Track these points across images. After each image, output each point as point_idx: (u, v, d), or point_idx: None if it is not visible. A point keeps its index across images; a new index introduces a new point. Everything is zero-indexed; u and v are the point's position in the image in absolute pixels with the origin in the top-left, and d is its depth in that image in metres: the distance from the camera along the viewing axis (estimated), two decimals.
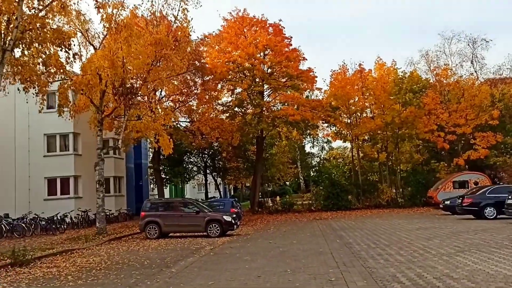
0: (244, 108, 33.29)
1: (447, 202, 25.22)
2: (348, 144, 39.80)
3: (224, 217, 20.21)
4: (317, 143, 55.72)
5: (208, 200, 32.98)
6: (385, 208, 33.91)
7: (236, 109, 33.61)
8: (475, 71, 35.37)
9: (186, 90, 29.15)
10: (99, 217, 21.20)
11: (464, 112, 32.22)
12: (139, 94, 22.63)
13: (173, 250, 15.64)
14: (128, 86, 20.00)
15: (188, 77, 26.07)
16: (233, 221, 20.31)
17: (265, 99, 34.04)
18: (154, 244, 17.61)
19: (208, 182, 45.35)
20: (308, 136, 55.90)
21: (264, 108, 32.83)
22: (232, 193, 70.55)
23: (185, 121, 31.03)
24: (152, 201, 21.99)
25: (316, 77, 33.62)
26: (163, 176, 36.44)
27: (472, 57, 35.66)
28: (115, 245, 18.02)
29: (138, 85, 20.95)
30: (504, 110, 33.28)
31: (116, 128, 26.07)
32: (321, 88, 36.35)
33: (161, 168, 35.63)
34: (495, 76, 34.90)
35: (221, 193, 40.80)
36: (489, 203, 20.24)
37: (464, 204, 20.82)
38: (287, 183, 66.89)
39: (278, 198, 39.80)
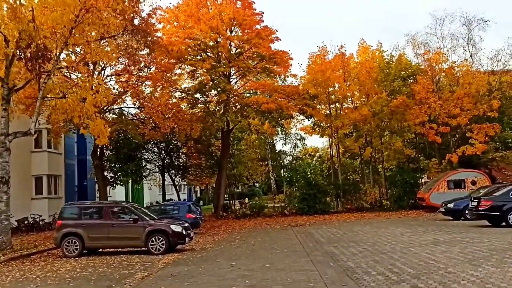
0: (207, 94, 28.04)
1: (450, 205, 20.87)
2: (326, 140, 35.06)
3: (172, 226, 15.02)
4: (290, 140, 51.07)
5: (158, 204, 27.60)
6: (368, 211, 29.46)
7: (197, 95, 28.32)
8: (471, 56, 31.44)
9: (133, 68, 23.68)
10: (1, 227, 15.56)
11: (460, 101, 28.12)
12: (60, 63, 17.09)
13: (83, 281, 10.32)
14: (39, 47, 14.45)
15: (133, 45, 20.59)
16: (184, 232, 15.14)
17: (232, 85, 28.94)
18: (65, 268, 12.21)
19: (170, 183, 39.93)
20: (280, 132, 51.33)
21: (231, 95, 27.73)
22: (198, 195, 65.24)
23: (133, 107, 25.52)
24: (73, 205, 16.49)
25: (292, 59, 28.84)
26: (112, 175, 30.80)
27: (468, 39, 31.69)
28: (9, 269, 12.52)
29: (56, 48, 15.41)
30: (504, 100, 29.43)
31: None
32: (297, 75, 31.55)
33: (107, 164, 29.97)
34: (492, 62, 31.06)
35: (178, 195, 35.30)
36: None
37: (481, 208, 16.39)
38: (257, 184, 62.09)
39: (246, 200, 34.80)
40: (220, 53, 28.22)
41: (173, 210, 22.34)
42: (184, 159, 35.49)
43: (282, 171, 40.79)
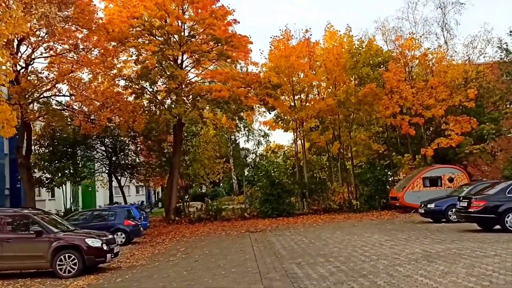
0: (154, 82, 24.37)
1: (431, 206, 18.19)
2: (292, 136, 31.89)
3: (88, 240, 11.50)
4: (253, 136, 47.95)
5: (89, 210, 23.84)
6: (337, 212, 26.67)
7: (144, 83, 24.65)
8: (445, 42, 29.13)
9: (63, 49, 19.87)
10: None
11: (434, 90, 25.71)
12: None
13: None
14: None
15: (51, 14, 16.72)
16: (106, 247, 11.65)
17: (184, 71, 25.39)
18: None
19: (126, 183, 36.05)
20: (243, 128, 48.17)
21: (183, 84, 24.24)
22: (159, 197, 61.12)
23: (62, 95, 21.52)
24: None
25: (251, 42, 25.57)
26: (47, 176, 26.77)
27: (443, 24, 29.32)
28: None
29: None
30: (481, 90, 27.27)
31: None
32: (258, 63, 28.31)
33: (40, 163, 25.92)
34: (468, 49, 28.87)
35: (125, 197, 31.43)
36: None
37: (473, 210, 13.66)
38: (221, 184, 58.60)
39: (209, 201, 31.28)
40: (169, 35, 24.70)
41: (108, 216, 18.76)
42: (134, 157, 31.71)
43: (245, 170, 37.55)
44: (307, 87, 27.21)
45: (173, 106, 23.76)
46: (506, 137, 31.26)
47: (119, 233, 17.89)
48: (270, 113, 27.36)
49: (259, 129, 46.26)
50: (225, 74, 24.99)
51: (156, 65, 23.28)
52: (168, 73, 23.61)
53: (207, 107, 23.81)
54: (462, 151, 25.91)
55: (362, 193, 28.01)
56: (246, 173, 32.04)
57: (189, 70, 27.37)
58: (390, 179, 28.28)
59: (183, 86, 24.34)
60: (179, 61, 26.18)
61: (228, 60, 25.40)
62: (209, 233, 20.83)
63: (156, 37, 24.54)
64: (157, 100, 24.78)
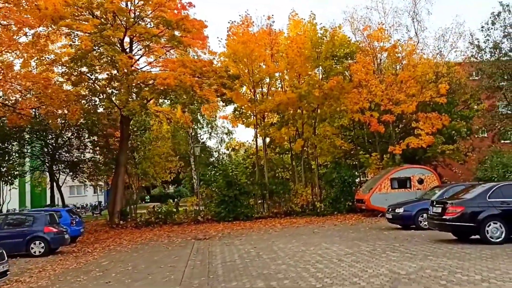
0: (91, 66, 21.42)
1: (399, 210, 16.09)
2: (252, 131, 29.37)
3: None
4: (216, 133, 45.22)
5: (6, 213, 20.81)
6: (300, 216, 24.52)
7: (81, 69, 21.70)
8: (416, 34, 27.32)
9: None
10: None
11: (404, 85, 23.84)
12: None
13: None
14: None
15: None
16: None
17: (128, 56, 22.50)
18: None
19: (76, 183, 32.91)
20: (203, 124, 45.47)
21: (125, 70, 21.43)
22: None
23: None
24: None
25: (206, 26, 22.97)
26: None
27: (414, 14, 27.45)
28: None
29: None
30: (453, 85, 25.61)
31: None
32: (216, 52, 25.68)
33: None
34: (439, 42, 27.18)
35: (63, 198, 28.23)
36: (494, 214, 11.17)
37: (448, 217, 11.55)
38: (184, 185, 55.70)
39: (171, 202, 28.29)
40: (114, 16, 21.88)
41: (25, 222, 15.86)
42: (78, 154, 28.60)
43: (201, 169, 34.81)
44: (269, 79, 24.84)
45: (113, 94, 20.97)
46: (478, 136, 29.87)
47: (37, 242, 15.15)
48: (227, 107, 24.78)
49: (223, 126, 43.71)
50: (176, 62, 22.33)
51: (93, 47, 20.37)
52: (108, 58, 20.76)
53: (147, 95, 20.93)
54: (433, 151, 24.12)
55: (327, 195, 25.91)
56: (202, 172, 29.33)
57: (138, 58, 24.62)
58: (357, 180, 26.24)
59: (128, 73, 21.51)
60: (126, 46, 23.45)
61: (181, 46, 22.72)
62: (150, 240, 18.19)
63: (97, 17, 21.64)
64: (97, 88, 21.83)
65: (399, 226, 16.49)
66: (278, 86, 26.71)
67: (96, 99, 22.11)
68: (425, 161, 26.08)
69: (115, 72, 21.58)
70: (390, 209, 16.58)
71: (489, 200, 11.37)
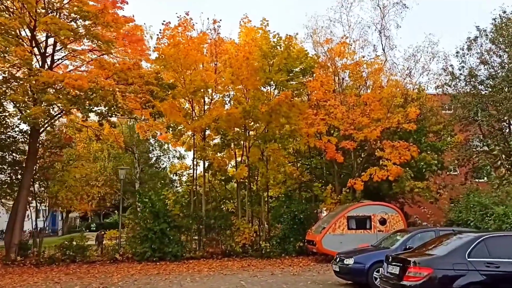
0: None
1: (349, 261, 12.05)
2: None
3: None
4: (167, 157, 40.82)
5: None
6: (241, 257, 20.33)
7: None
8: (383, 50, 24.10)
9: None
10: None
11: (368, 107, 20.35)
12: None
13: None
14: None
15: None
16: None
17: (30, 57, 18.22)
18: None
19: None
20: (156, 147, 41.10)
21: (26, 69, 17.25)
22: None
23: None
24: None
25: (133, 20, 19.06)
26: None
27: (381, 27, 24.32)
28: None
29: None
30: (424, 110, 22.29)
31: None
32: (152, 59, 21.62)
33: None
34: (409, 62, 24.01)
35: None
36: (475, 281, 7.28)
37: (409, 282, 7.59)
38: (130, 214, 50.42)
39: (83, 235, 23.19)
40: (23, 4, 17.86)
41: None
42: None
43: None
44: (211, 91, 20.97)
45: (8, 94, 16.71)
46: (449, 173, 26.55)
47: None
48: (155, 120, 20.57)
49: (175, 150, 39.36)
50: (92, 63, 18.30)
51: None
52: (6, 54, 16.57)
53: (52, 100, 16.63)
54: (400, 186, 20.45)
55: (276, 234, 21.80)
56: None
57: (58, 60, 20.50)
58: (312, 216, 22.15)
59: (31, 73, 17.28)
60: (39, 45, 19.37)
61: (102, 45, 18.65)
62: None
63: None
64: None
65: (349, 282, 12.49)
66: (226, 101, 22.83)
67: None
68: (390, 197, 22.43)
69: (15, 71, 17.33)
70: (338, 259, 12.54)
71: (469, 259, 7.50)
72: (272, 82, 21.29)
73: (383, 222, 18.68)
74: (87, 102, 17.35)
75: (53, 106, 17.20)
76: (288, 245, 20.83)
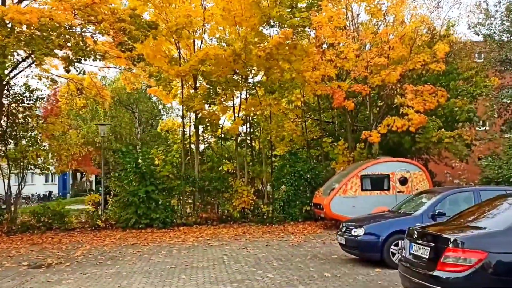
0: None
1: (358, 232, 9.11)
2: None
3: None
4: (170, 115, 38.05)
5: None
6: (239, 223, 17.83)
7: None
8: None
9: None
10: None
11: (387, 45, 16.90)
12: None
13: None
14: None
15: None
16: None
17: None
18: None
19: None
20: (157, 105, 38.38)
21: None
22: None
23: None
24: None
25: None
26: None
27: None
28: None
29: None
30: (455, 48, 18.73)
31: None
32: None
33: None
34: None
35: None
36: None
37: (447, 273, 4.69)
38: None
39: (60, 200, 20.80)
40: None
41: None
42: None
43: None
44: (200, 32, 17.76)
45: None
46: (481, 124, 23.11)
47: None
48: (135, 65, 17.52)
49: (177, 108, 36.42)
50: None
51: None
52: None
53: (13, 45, 13.84)
54: (425, 138, 17.16)
55: (279, 197, 19.05)
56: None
57: None
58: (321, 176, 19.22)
59: None
60: None
61: None
62: None
63: None
64: None
65: (354, 255, 9.67)
66: (220, 45, 19.51)
67: None
68: (413, 153, 19.28)
69: None
70: (344, 229, 9.64)
71: None
72: (271, 21, 17.89)
73: (403, 181, 15.65)
74: (46, 43, 14.42)
75: (3, 49, 14.26)
76: (293, 209, 18.12)
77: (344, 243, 9.46)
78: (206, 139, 22.09)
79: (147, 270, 9.53)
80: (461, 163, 17.95)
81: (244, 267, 9.45)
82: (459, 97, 18.00)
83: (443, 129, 16.94)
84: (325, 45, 18.45)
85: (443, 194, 9.28)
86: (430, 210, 8.79)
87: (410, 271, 5.45)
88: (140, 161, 17.87)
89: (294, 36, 17.33)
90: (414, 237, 5.53)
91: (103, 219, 18.05)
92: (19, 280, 8.96)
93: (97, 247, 13.22)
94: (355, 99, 17.66)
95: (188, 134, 20.97)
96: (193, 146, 20.66)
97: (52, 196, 45.09)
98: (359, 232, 9.01)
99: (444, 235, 4.98)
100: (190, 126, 20.68)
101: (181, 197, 19.18)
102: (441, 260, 4.78)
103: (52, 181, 51.29)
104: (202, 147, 21.99)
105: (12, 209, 18.70)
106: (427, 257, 5.11)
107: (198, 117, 18.37)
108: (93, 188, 48.94)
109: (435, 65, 16.38)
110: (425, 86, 16.67)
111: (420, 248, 5.31)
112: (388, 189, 15.58)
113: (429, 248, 5.09)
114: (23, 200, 36.70)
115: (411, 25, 17.79)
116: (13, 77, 18.40)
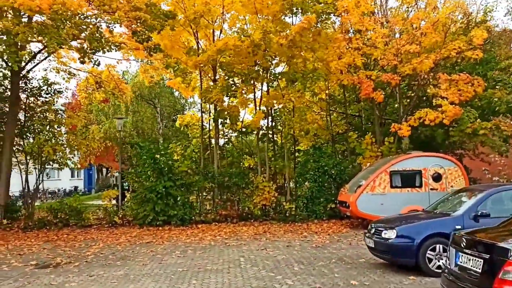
0: None
1: (389, 234, 8.15)
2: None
3: None
4: (192, 112, 37.58)
5: None
6: (260, 221, 17.08)
7: None
8: None
9: None
10: None
11: (419, 31, 15.70)
12: None
13: None
14: None
15: None
16: None
17: None
18: None
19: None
20: (179, 100, 37.97)
21: None
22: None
23: None
24: None
25: None
26: None
27: None
28: None
29: None
30: (493, 35, 17.36)
31: None
32: None
33: None
34: None
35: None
36: None
37: None
38: None
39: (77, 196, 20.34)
40: None
41: None
42: None
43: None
44: (219, 22, 16.97)
45: None
46: None
47: None
48: (152, 56, 16.84)
49: (199, 102, 35.81)
50: None
51: None
52: None
53: (25, 34, 13.38)
54: (459, 130, 15.90)
55: (302, 194, 18.14)
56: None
57: None
58: (346, 172, 18.19)
59: None
60: None
61: None
62: None
63: None
64: None
65: (384, 259, 8.69)
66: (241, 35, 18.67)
67: None
68: (446, 147, 18.00)
69: None
70: (374, 230, 8.67)
71: None
72: (294, 8, 16.91)
73: (437, 178, 14.47)
74: (59, 32, 13.90)
75: (15, 37, 13.78)
76: (317, 206, 17.17)
77: (373, 246, 8.48)
78: (226, 133, 21.32)
79: (157, 272, 8.82)
80: (501, 158, 16.64)
81: (262, 271, 8.61)
82: (497, 87, 16.63)
83: (478, 120, 15.63)
84: (351, 34, 17.34)
85: (487, 192, 8.19)
86: (472, 210, 7.73)
87: (456, 286, 4.48)
88: (158, 156, 17.27)
89: (318, 25, 16.30)
90: (461, 245, 4.57)
91: (120, 216, 17.58)
92: (21, 282, 8.40)
93: (111, 246, 12.65)
94: (383, 90, 16.49)
95: (207, 128, 20.25)
96: (212, 140, 19.92)
97: (78, 191, 45.52)
98: (390, 234, 8.03)
99: (502, 245, 4.01)
100: (209, 120, 19.95)
101: (200, 194, 18.50)
102: (499, 276, 3.82)
103: (78, 177, 51.91)
104: (222, 141, 21.27)
105: (30, 204, 18.41)
106: (479, 271, 4.15)
107: (217, 110, 17.59)
108: (118, 183, 49.14)
109: (471, 53, 15.08)
110: (461, 75, 15.41)
111: (470, 260, 4.35)
112: (420, 186, 14.44)
113: (482, 260, 4.13)
114: (49, 195, 37.08)
115: (445, 11, 16.51)
116: (30, 70, 18.10)
